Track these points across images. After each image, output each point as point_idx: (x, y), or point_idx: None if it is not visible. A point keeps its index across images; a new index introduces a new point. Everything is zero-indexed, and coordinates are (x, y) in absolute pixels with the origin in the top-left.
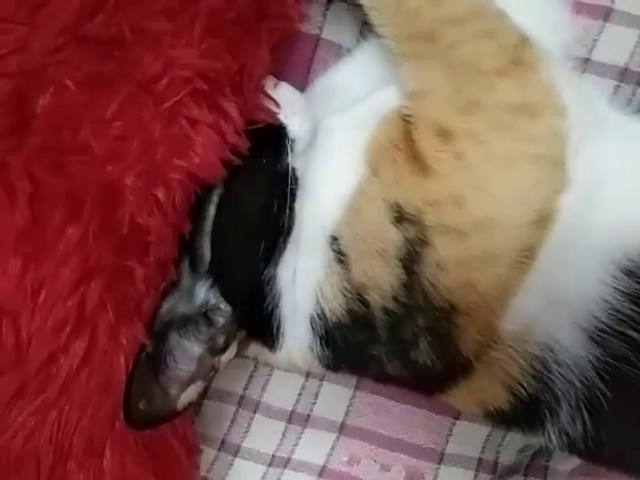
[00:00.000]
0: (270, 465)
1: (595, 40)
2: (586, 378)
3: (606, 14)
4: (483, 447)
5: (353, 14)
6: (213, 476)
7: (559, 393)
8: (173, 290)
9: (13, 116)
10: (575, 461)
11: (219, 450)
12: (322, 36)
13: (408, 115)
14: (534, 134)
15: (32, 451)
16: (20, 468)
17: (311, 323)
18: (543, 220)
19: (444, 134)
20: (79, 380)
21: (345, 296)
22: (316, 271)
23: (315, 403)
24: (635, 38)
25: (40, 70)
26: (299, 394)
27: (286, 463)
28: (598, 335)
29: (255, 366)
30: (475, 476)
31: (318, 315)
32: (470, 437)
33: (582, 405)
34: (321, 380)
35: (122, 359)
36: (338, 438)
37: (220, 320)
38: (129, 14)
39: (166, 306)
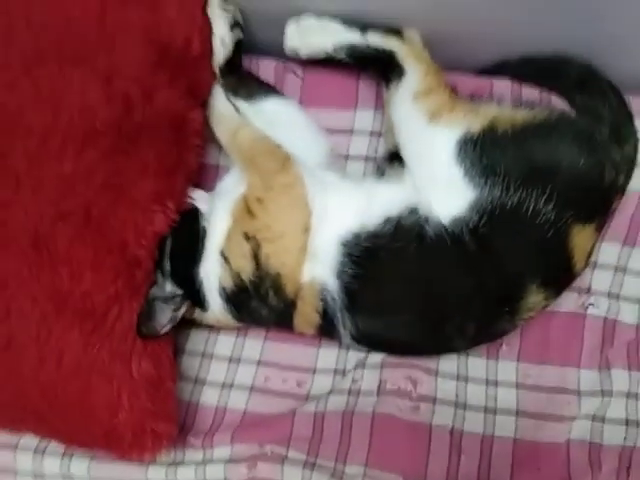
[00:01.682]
0: (222, 388)
1: (347, 145)
2: (339, 295)
3: (350, 131)
4: (337, 361)
5: None
6: (192, 398)
7: (335, 307)
8: (154, 285)
9: None
10: (381, 356)
11: (195, 382)
12: (220, 163)
13: (246, 194)
14: (295, 194)
15: None
16: None
17: (219, 294)
18: (307, 229)
19: (259, 200)
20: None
21: (232, 277)
22: (216, 267)
23: (243, 349)
24: (367, 140)
25: None
26: (235, 345)
27: (231, 385)
28: (340, 275)
29: (209, 333)
30: (335, 379)
31: (223, 289)
32: (329, 356)
33: (345, 312)
34: (244, 337)
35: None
36: (258, 365)
37: (178, 297)
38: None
39: (151, 291)
